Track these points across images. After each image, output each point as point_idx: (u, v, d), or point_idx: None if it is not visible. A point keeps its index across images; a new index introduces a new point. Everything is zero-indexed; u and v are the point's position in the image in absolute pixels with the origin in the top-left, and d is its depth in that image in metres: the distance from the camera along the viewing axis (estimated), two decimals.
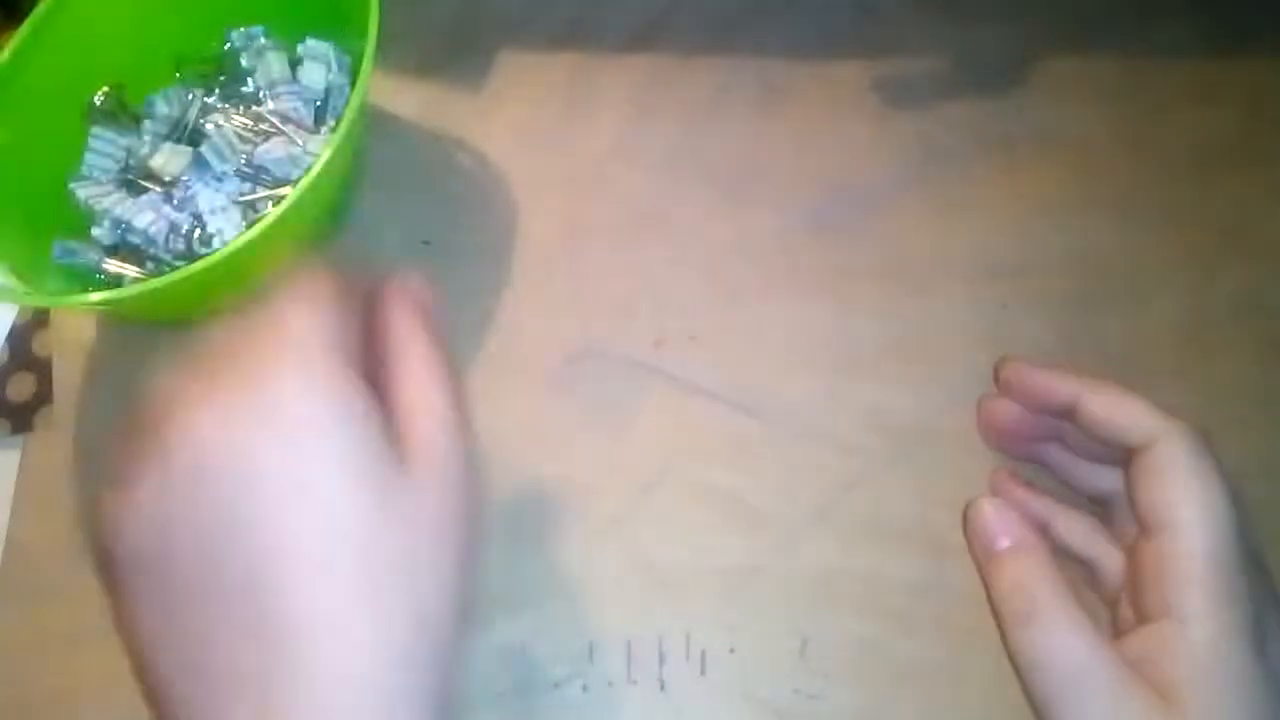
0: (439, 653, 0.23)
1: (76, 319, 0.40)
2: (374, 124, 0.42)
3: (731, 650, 0.32)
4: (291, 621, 0.22)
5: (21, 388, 0.38)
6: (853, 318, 0.37)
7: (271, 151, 0.38)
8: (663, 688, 0.32)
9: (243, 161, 0.38)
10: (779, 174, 0.40)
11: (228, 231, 0.37)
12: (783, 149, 0.40)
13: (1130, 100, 0.40)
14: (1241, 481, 0.31)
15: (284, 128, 0.38)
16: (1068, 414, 0.30)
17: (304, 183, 0.32)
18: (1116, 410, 0.29)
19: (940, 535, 0.33)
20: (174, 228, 0.38)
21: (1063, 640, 0.27)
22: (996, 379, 0.33)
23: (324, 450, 0.23)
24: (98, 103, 0.39)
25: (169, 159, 0.38)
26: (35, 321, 0.40)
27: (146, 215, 0.37)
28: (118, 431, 0.27)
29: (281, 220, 0.32)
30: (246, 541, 0.23)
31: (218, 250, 0.32)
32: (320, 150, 0.32)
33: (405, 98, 0.43)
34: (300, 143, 0.38)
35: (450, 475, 0.25)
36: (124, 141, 0.39)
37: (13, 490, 0.37)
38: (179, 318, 0.36)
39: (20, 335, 0.40)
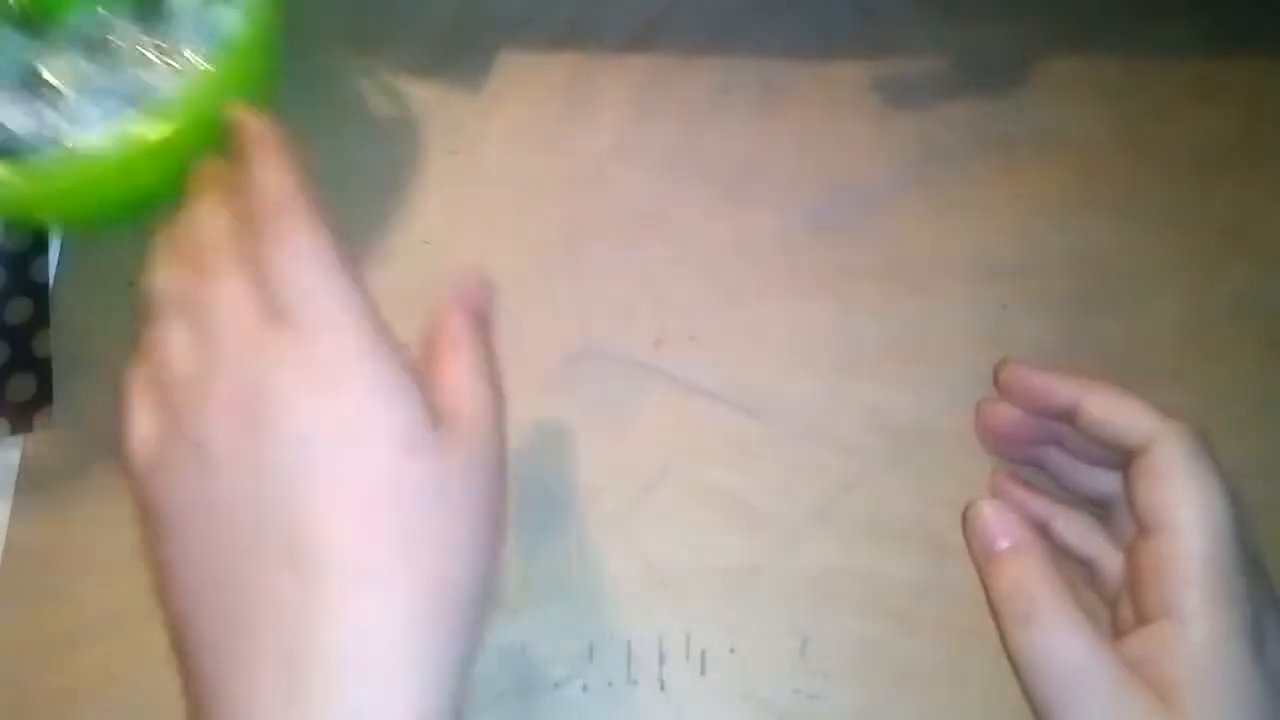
0: (465, 620, 0.24)
1: (77, 319, 0.40)
2: (373, 122, 0.42)
3: (731, 650, 0.32)
4: (323, 566, 0.23)
5: (21, 388, 0.38)
6: (853, 318, 0.37)
7: (164, 84, 0.39)
8: (663, 688, 0.32)
9: (131, 87, 0.39)
10: (779, 174, 0.40)
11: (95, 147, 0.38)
12: (783, 149, 0.40)
13: (1130, 100, 0.40)
14: (1241, 482, 0.31)
15: (184, 64, 0.39)
16: (1067, 416, 0.30)
17: (177, 108, 0.33)
18: (1116, 411, 0.29)
19: (940, 535, 0.33)
20: (43, 134, 0.38)
21: (1061, 640, 0.27)
22: (996, 382, 0.33)
23: (366, 402, 0.24)
24: (10, 2, 0.40)
25: (60, 67, 0.39)
26: (36, 321, 0.40)
27: (20, 118, 0.38)
28: (142, 356, 0.28)
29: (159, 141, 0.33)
30: (285, 484, 0.23)
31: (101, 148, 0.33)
32: (200, 78, 0.34)
33: (405, 97, 0.43)
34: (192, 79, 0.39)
35: (487, 456, 0.26)
36: (29, 46, 0.40)
37: (13, 490, 0.37)
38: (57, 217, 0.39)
39: (20, 334, 0.39)
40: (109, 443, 0.37)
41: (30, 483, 0.37)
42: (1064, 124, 0.40)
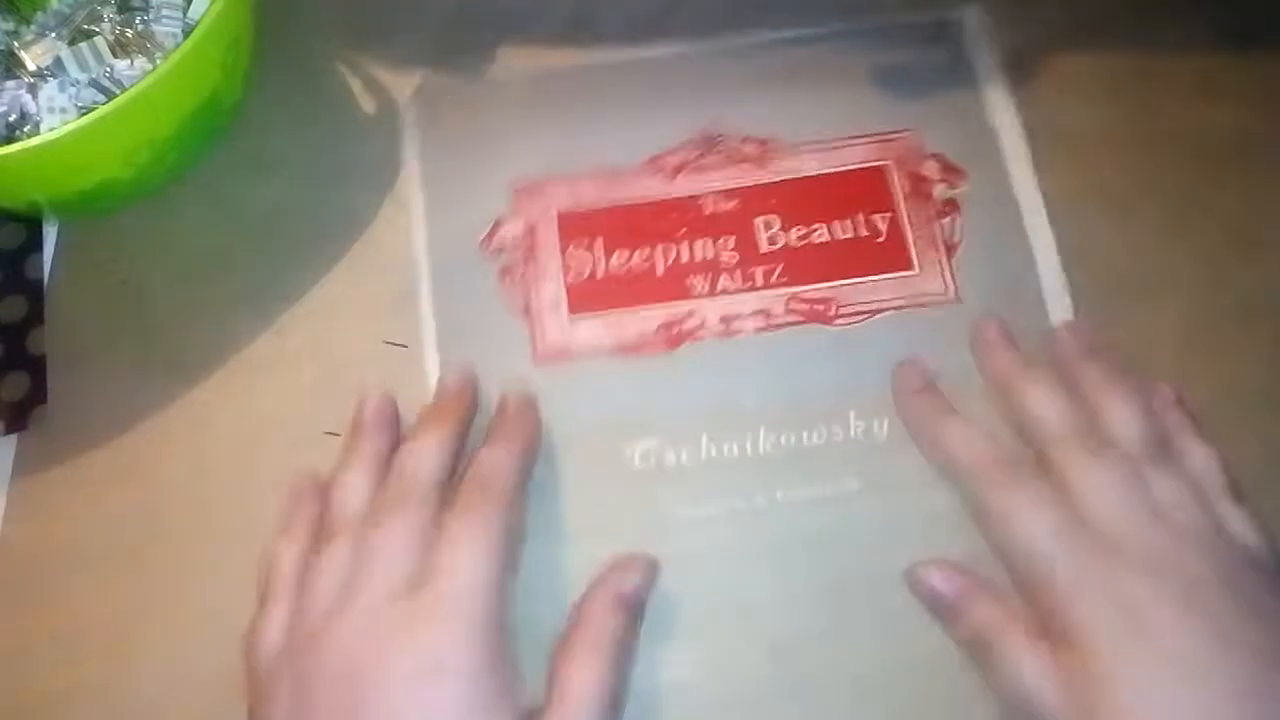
0: None
1: (72, 317, 0.40)
2: (372, 119, 0.42)
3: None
4: None
5: (15, 387, 0.38)
6: None
7: (134, 71, 0.39)
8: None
9: (105, 74, 0.39)
10: None
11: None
12: None
13: (1137, 97, 0.39)
14: (1250, 485, 0.31)
15: (155, 52, 0.39)
16: None
17: (133, 90, 0.33)
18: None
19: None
20: (16, 118, 0.39)
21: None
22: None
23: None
24: None
25: (37, 51, 0.39)
26: (30, 319, 0.39)
27: None
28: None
29: (107, 120, 0.33)
30: None
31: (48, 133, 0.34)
32: (165, 62, 0.34)
33: (405, 94, 0.42)
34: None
35: None
36: (10, 29, 0.41)
37: (7, 489, 0.37)
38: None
39: (14, 333, 0.39)
40: (103, 441, 0.37)
41: (25, 482, 0.37)
42: (1070, 121, 0.39)
